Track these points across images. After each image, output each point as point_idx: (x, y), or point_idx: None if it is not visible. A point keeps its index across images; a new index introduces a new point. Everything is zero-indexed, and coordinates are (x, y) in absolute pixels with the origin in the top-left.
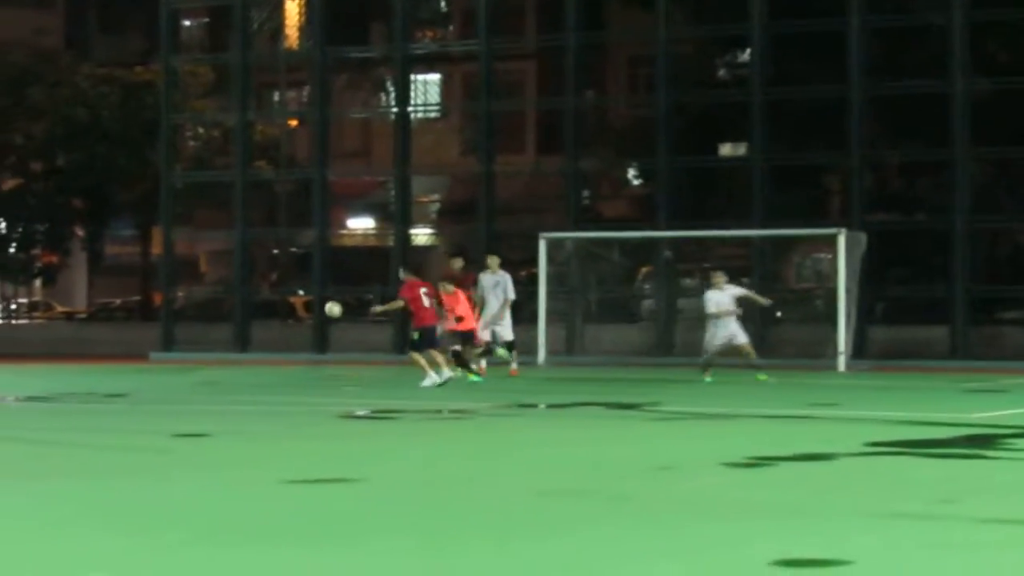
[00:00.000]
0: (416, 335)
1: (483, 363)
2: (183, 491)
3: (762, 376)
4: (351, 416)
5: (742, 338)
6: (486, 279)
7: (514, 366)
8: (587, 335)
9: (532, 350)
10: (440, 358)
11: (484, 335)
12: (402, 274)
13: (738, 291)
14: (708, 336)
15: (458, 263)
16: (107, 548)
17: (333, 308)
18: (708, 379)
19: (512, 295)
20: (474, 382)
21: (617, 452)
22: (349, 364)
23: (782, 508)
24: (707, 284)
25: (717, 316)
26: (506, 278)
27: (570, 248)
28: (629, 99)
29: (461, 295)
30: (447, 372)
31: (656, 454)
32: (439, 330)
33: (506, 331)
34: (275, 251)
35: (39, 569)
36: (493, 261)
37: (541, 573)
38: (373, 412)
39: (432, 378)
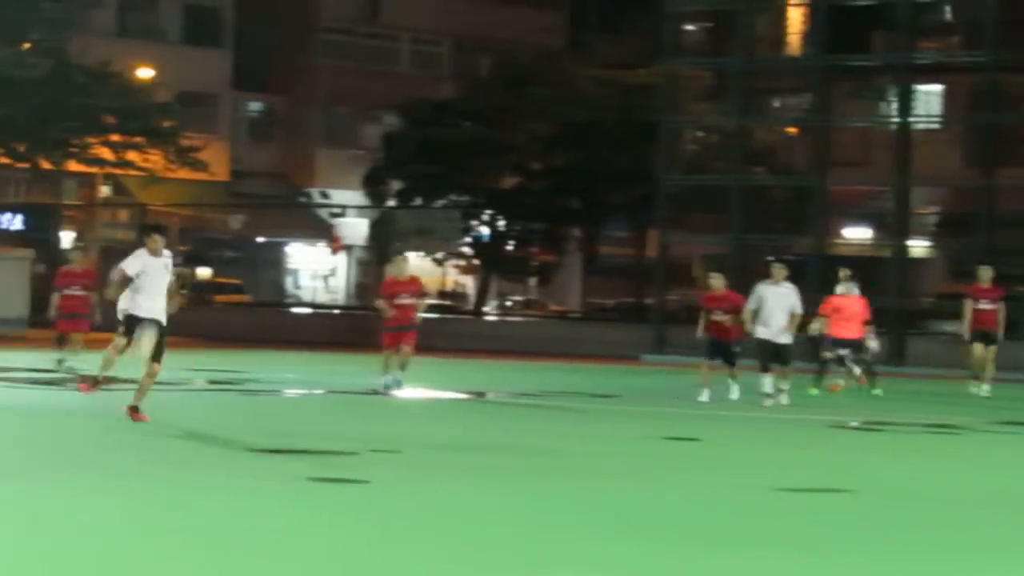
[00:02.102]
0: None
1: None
2: (675, 494)
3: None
4: (842, 427)
5: None
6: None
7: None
8: None
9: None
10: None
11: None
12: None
13: None
14: None
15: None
16: (595, 548)
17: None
18: None
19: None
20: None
21: None
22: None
23: None
24: None
25: None
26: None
27: None
28: None
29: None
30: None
31: None
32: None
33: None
34: (768, 258)
35: (527, 565)
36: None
37: None
38: (863, 424)
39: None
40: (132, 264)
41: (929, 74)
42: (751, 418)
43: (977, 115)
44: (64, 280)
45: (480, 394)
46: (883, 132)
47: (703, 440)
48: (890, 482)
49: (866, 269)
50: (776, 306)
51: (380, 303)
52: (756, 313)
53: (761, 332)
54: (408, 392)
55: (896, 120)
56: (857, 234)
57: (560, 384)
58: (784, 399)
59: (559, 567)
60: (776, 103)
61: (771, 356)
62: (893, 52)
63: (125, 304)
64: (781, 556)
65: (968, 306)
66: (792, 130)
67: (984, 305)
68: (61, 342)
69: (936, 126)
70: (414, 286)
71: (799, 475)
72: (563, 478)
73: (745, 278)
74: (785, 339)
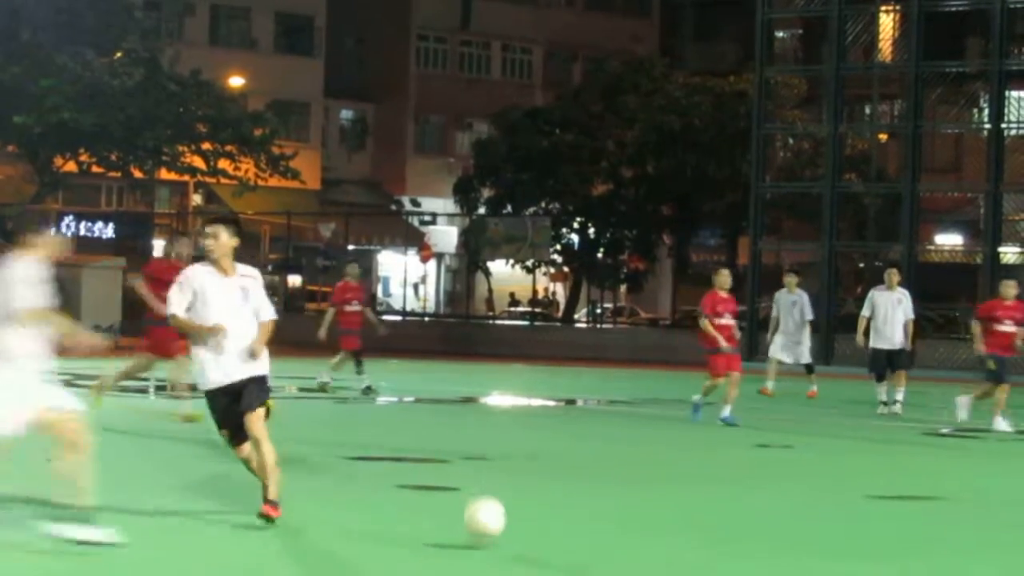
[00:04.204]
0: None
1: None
2: (768, 501)
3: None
4: (934, 434)
5: None
6: (783, 297)
7: (813, 388)
8: None
9: None
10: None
11: (782, 355)
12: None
13: None
14: None
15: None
16: (690, 555)
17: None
18: None
19: (810, 315)
20: None
21: None
22: (932, 381)
23: None
24: None
25: None
26: (804, 297)
27: None
28: None
29: None
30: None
31: None
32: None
33: (805, 353)
34: (861, 264)
35: (618, 572)
36: (791, 280)
37: None
38: (956, 431)
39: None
40: (177, 297)
41: (1023, 80)
42: (843, 425)
43: None
44: (343, 295)
45: (571, 402)
46: (976, 138)
47: (794, 447)
48: (984, 489)
49: (958, 276)
50: (890, 312)
51: (704, 322)
52: (869, 320)
53: (875, 340)
54: (499, 400)
55: (989, 126)
56: (949, 240)
57: (652, 391)
58: (898, 408)
59: (650, 574)
60: (868, 110)
61: (886, 364)
62: (986, 58)
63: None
64: (870, 565)
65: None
66: (884, 136)
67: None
68: (356, 359)
69: None
70: (734, 303)
71: (892, 482)
72: (655, 485)
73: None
74: (900, 346)
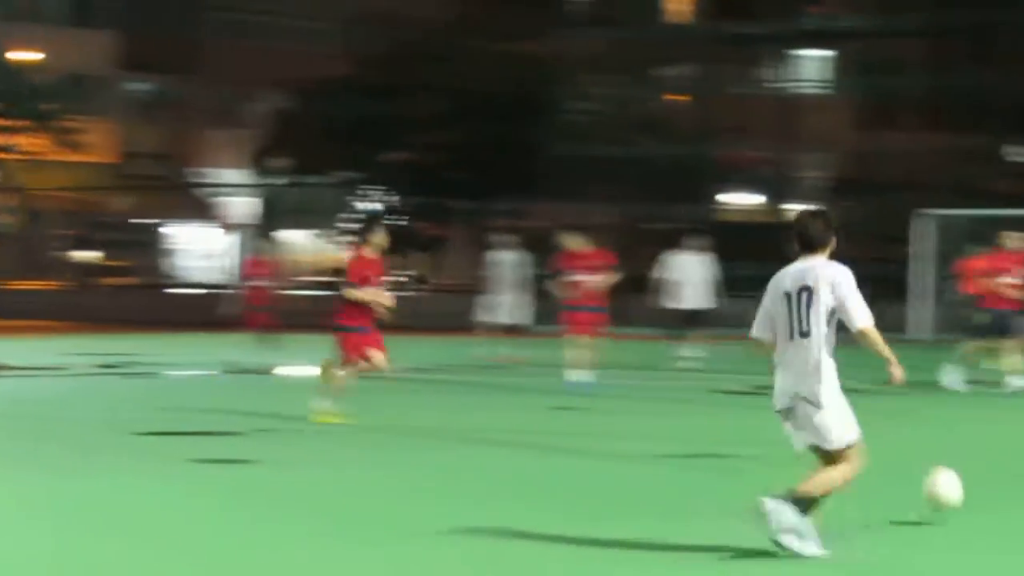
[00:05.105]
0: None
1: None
2: (562, 464)
3: None
4: (727, 392)
5: None
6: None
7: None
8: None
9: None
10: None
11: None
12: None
13: None
14: None
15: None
16: (477, 517)
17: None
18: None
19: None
20: None
21: None
22: (728, 340)
23: None
24: None
25: None
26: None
27: (954, 226)
28: (1018, 79)
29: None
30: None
31: None
32: None
33: (521, 314)
34: (654, 226)
35: (413, 535)
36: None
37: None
38: (753, 388)
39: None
40: None
41: (812, 40)
42: (631, 386)
43: (859, 80)
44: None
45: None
46: (767, 99)
47: (589, 409)
48: (768, 447)
49: (751, 234)
50: (689, 274)
51: (557, 281)
52: (666, 281)
53: (672, 300)
54: (295, 369)
55: (779, 87)
56: (743, 200)
57: (449, 358)
58: (699, 364)
59: (445, 535)
60: (664, 72)
61: (683, 323)
62: (778, 19)
63: None
64: (650, 525)
65: None
66: (677, 98)
67: None
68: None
69: (819, 92)
70: (591, 260)
71: (680, 443)
72: (448, 450)
73: (633, 248)
74: (699, 306)
